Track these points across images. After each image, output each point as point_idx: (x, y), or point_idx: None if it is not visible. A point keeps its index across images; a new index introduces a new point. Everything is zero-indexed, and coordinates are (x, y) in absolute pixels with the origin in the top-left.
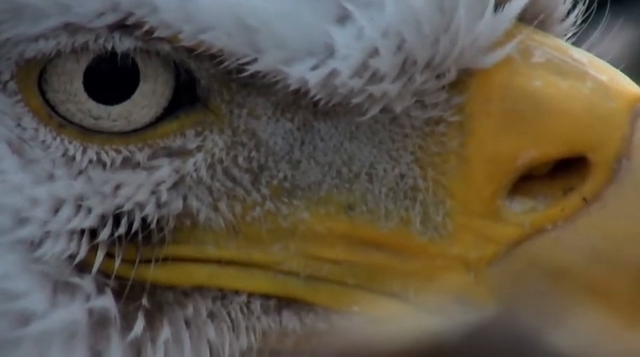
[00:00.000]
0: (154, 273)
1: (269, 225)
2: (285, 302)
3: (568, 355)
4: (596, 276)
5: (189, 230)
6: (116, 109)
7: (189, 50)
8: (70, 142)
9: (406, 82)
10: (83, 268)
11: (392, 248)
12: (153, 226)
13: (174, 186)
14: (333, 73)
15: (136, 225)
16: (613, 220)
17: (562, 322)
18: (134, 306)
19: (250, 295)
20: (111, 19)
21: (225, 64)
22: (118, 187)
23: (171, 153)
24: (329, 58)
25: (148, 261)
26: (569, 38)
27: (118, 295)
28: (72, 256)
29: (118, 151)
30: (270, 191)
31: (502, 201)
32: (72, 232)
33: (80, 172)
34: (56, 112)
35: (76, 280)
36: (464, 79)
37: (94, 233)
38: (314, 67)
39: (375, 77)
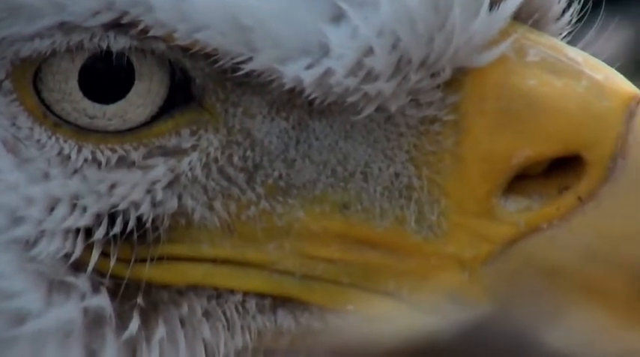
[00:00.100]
0: (149, 272)
1: (264, 224)
2: (280, 301)
3: (563, 354)
4: (591, 275)
5: (184, 229)
6: (111, 108)
7: (184, 49)
8: (65, 141)
9: (401, 81)
10: (78, 267)
11: (387, 247)
12: (148, 225)
13: (170, 185)
14: (328, 72)
15: (131, 224)
16: (608, 219)
17: (557, 322)
18: (129, 305)
19: (245, 294)
20: (106, 18)
21: (220, 63)
22: (113, 186)
23: (166, 152)
24: (324, 57)
25: (143, 260)
26: (564, 37)
27: (113, 294)
28: (67, 255)
29: (113, 150)
30: (265, 190)
31: (497, 200)
32: (67, 231)
33: (75, 171)
34: (51, 111)
35: (71, 279)
36: (459, 77)
37: (89, 232)
38: (309, 66)
39: (370, 76)
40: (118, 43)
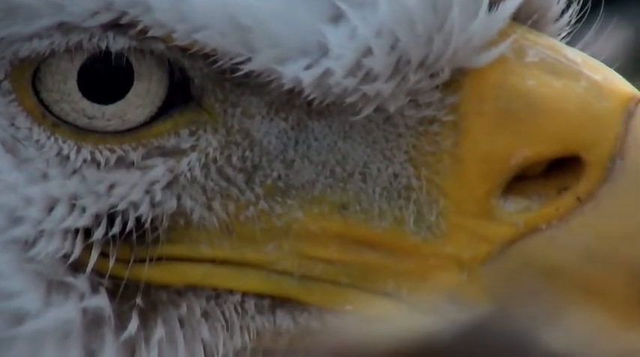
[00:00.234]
0: (148, 272)
1: (263, 224)
2: (278, 302)
3: (562, 354)
4: (590, 275)
5: (183, 230)
6: (110, 109)
7: (183, 49)
8: (64, 142)
9: (400, 81)
10: (77, 267)
11: (385, 248)
12: (147, 225)
13: (168, 185)
14: (327, 73)
15: (130, 224)
16: (607, 219)
17: (556, 322)
18: (128, 305)
19: (244, 294)
20: (105, 18)
21: (219, 63)
22: (112, 187)
23: (165, 152)
24: (323, 57)
25: (142, 260)
26: (563, 38)
27: (112, 294)
28: (66, 256)
29: (112, 151)
30: (263, 191)
31: (496, 200)
32: (66, 232)
33: (74, 172)
34: (50, 112)
35: (70, 279)
36: (458, 78)
37: (88, 232)
38: (308, 67)
39: (369, 77)
40: (117, 43)
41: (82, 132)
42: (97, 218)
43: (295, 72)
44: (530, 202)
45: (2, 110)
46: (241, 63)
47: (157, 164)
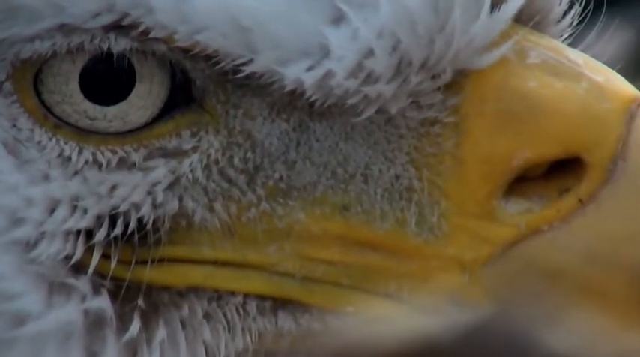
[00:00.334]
0: (150, 274)
1: (264, 226)
2: (280, 303)
3: (563, 355)
4: (591, 277)
5: (184, 231)
6: (112, 110)
7: (185, 51)
8: (65, 143)
9: (401, 82)
10: (79, 268)
11: (387, 249)
12: (149, 226)
13: (170, 187)
14: (329, 74)
15: (132, 226)
16: (608, 220)
17: (557, 323)
18: (130, 307)
19: (246, 295)
20: (106, 19)
21: (221, 64)
22: (113, 188)
23: (166, 154)
24: (324, 58)
25: (144, 262)
26: (564, 39)
27: (113, 295)
28: (68, 257)
29: (114, 152)
30: (265, 192)
31: (497, 202)
32: (67, 233)
33: (76, 173)
34: (52, 113)
35: (71, 280)
36: (459, 79)
37: (89, 234)
38: (309, 68)
39: (371, 78)
40: (119, 44)
41: (83, 133)
42: (99, 219)
43: (297, 73)
44: (532, 203)
45: (4, 111)
46: (243, 64)
47: (159, 165)
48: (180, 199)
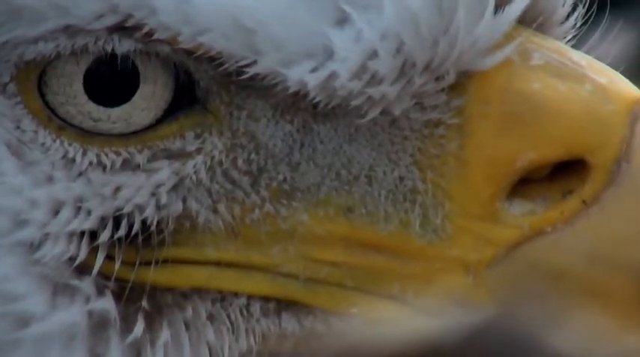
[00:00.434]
0: (154, 275)
1: (268, 227)
2: (284, 304)
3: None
4: (595, 278)
5: (188, 232)
6: (116, 112)
7: (189, 52)
8: (69, 145)
9: (405, 84)
10: (83, 270)
11: (391, 251)
12: (152, 228)
13: (174, 188)
14: (332, 76)
15: (136, 227)
16: (612, 222)
17: (561, 324)
18: (134, 308)
19: (250, 297)
20: (110, 21)
21: (225, 66)
22: (117, 189)
23: (170, 155)
24: (328, 60)
25: (148, 263)
26: (568, 41)
27: (117, 297)
28: (71, 258)
29: (118, 154)
30: (269, 193)
31: (501, 203)
32: (71, 234)
33: (80, 174)
34: (56, 115)
35: (75, 282)
36: (463, 81)
37: (93, 235)
38: (313, 70)
39: (374, 80)
40: (123, 46)
41: (87, 135)
42: (103, 221)
43: (300, 75)
44: (535, 205)
45: (8, 113)
46: (247, 66)
47: (163, 167)
48: (184, 201)
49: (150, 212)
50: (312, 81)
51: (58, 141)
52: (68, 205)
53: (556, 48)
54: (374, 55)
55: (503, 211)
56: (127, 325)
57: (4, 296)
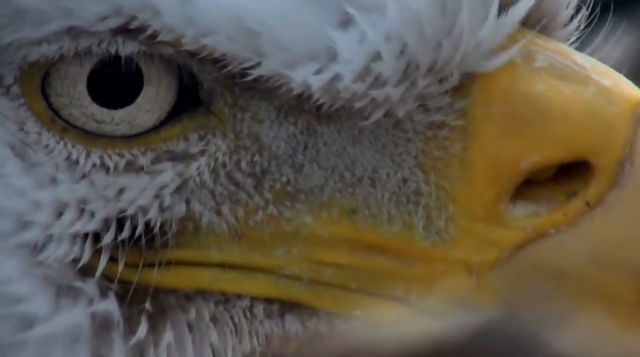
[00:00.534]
0: (157, 277)
1: (272, 229)
2: (287, 306)
3: None
4: (598, 280)
5: (192, 234)
6: (119, 113)
7: (192, 54)
8: (73, 146)
9: (409, 86)
10: (86, 272)
11: (394, 252)
12: (156, 230)
13: (178, 190)
14: (336, 78)
15: (140, 229)
16: (616, 224)
17: (564, 326)
18: (137, 310)
19: (253, 299)
20: (114, 22)
21: (228, 68)
22: (121, 191)
23: (174, 157)
24: (332, 62)
25: (151, 265)
26: (572, 43)
27: (121, 299)
28: (75, 260)
29: (121, 155)
30: (272, 195)
31: (505, 205)
32: (75, 236)
33: (83, 176)
34: (59, 116)
35: (79, 283)
36: (466, 83)
37: (97, 237)
38: (317, 72)
39: (378, 81)
40: (127, 48)
41: (91, 136)
42: (106, 223)
43: (304, 77)
44: (539, 207)
45: (11, 115)
46: (250, 68)
47: (166, 169)
48: (188, 203)
49: (153, 214)
50: (316, 83)
51: (61, 143)
52: (72, 207)
53: (560, 50)
54: (377, 57)
55: (507, 213)
56: (130, 327)
57: (7, 298)
